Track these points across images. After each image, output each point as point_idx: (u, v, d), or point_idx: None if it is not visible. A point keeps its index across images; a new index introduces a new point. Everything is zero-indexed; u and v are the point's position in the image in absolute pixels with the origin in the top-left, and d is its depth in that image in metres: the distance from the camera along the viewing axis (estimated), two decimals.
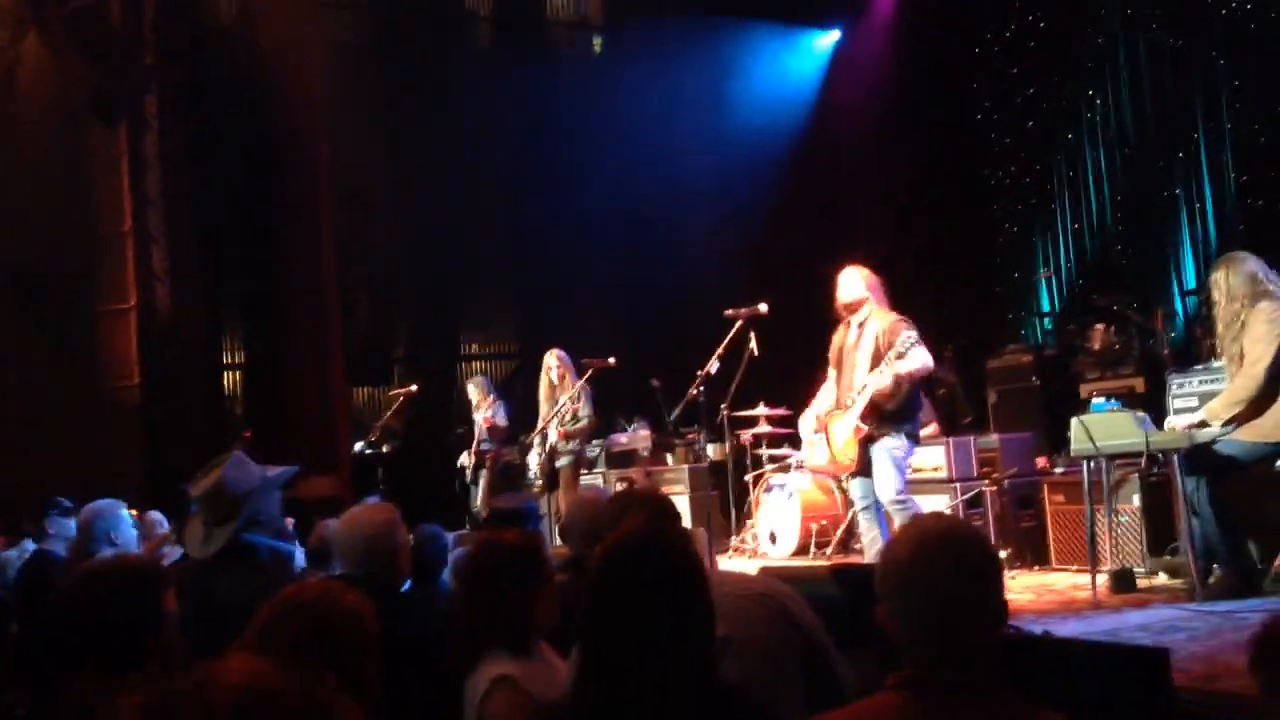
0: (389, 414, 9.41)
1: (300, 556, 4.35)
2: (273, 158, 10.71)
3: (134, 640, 2.47)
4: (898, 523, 5.81)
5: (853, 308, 6.17)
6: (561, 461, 8.80)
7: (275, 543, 3.42)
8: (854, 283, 6.19)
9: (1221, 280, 5.68)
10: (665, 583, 1.98)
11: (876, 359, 5.97)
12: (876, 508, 6.06)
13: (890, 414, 5.99)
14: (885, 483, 5.96)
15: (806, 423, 6.47)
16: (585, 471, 9.37)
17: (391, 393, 9.90)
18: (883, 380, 5.91)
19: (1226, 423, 5.56)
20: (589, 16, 13.65)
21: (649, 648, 1.94)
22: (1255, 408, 5.47)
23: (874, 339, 6.03)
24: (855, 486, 6.23)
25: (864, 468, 6.06)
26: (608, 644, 1.98)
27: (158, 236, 10.04)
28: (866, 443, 6.00)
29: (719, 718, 1.98)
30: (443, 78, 11.90)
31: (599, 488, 8.71)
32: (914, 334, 5.91)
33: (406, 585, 3.63)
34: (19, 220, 9.34)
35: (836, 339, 6.32)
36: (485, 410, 9.36)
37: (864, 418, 5.98)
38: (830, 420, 6.22)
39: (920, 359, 5.93)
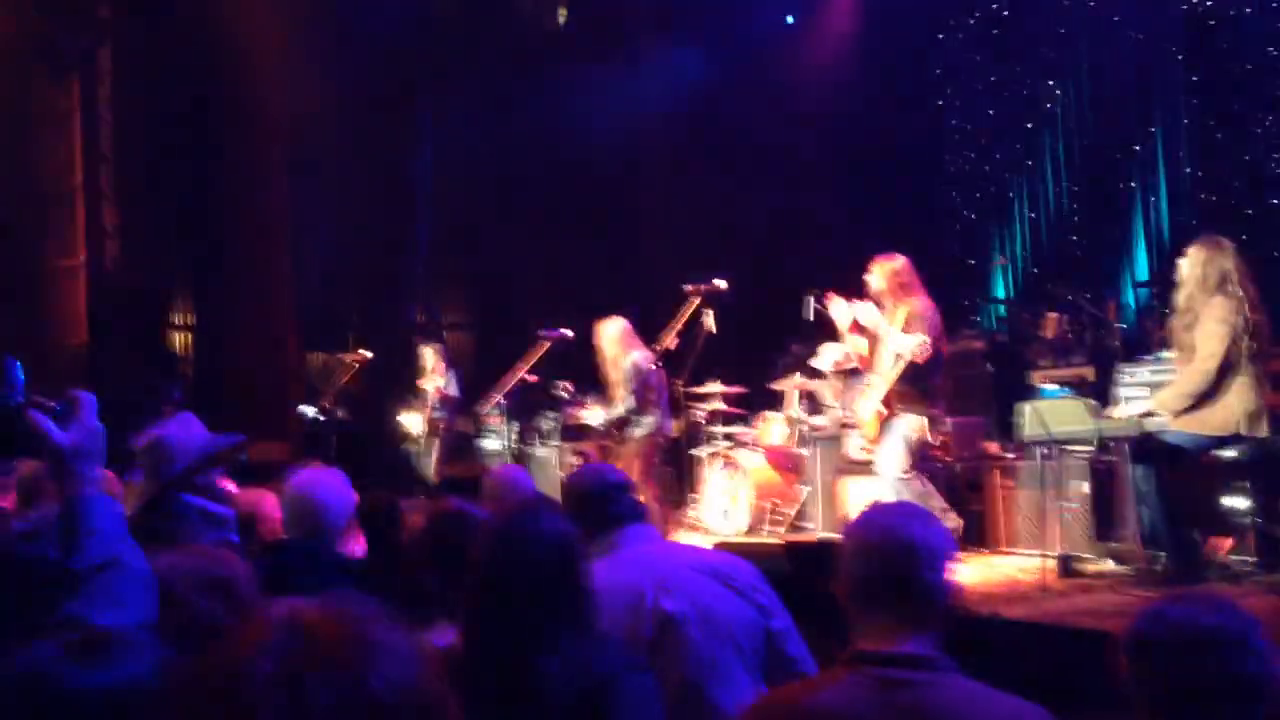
0: (343, 379, 9.31)
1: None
2: (228, 119, 10.53)
3: None
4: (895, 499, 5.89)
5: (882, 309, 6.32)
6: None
7: (211, 504, 3.33)
8: (873, 286, 6.33)
9: (1196, 263, 5.59)
10: (532, 555, 2.21)
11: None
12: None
13: (903, 394, 6.17)
14: (889, 458, 6.20)
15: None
16: (539, 443, 9.37)
17: (346, 358, 9.79)
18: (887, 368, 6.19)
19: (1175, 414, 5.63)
20: None
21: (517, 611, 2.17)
22: (1202, 400, 5.55)
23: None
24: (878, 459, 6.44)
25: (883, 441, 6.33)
26: (484, 606, 2.22)
27: (109, 192, 9.86)
28: (886, 420, 6.25)
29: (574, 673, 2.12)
30: (397, 44, 11.70)
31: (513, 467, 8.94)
32: (926, 323, 6.07)
33: (358, 552, 3.59)
34: None
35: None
36: (437, 378, 9.30)
37: (885, 401, 6.21)
38: (858, 398, 6.59)
39: (906, 343, 6.03)
